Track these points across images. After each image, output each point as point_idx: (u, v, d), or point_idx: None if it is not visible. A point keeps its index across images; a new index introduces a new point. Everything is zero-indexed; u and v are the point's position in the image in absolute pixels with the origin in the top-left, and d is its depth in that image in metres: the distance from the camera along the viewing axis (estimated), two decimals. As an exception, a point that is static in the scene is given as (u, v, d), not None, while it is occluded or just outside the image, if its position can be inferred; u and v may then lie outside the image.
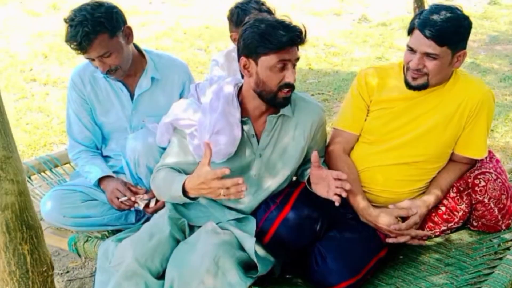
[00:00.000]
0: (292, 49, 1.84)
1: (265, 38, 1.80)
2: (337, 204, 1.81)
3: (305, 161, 2.11)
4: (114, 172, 2.33)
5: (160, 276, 1.82)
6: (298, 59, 1.89)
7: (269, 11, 2.40)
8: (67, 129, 2.40)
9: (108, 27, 2.07)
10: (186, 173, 1.97)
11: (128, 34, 2.19)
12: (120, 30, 2.14)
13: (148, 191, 2.20)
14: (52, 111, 4.69)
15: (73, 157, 2.39)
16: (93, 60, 2.13)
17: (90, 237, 2.17)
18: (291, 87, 1.88)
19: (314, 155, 1.89)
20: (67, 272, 2.63)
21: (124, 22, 2.17)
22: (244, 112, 1.97)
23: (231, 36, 2.52)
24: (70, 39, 2.06)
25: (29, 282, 1.50)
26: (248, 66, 1.89)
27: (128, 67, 2.22)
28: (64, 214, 2.17)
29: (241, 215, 2.00)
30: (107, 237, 2.19)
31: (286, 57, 1.83)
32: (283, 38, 1.80)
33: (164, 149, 2.08)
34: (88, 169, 2.30)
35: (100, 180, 2.26)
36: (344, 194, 1.81)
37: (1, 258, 1.44)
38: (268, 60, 1.83)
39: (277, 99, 1.89)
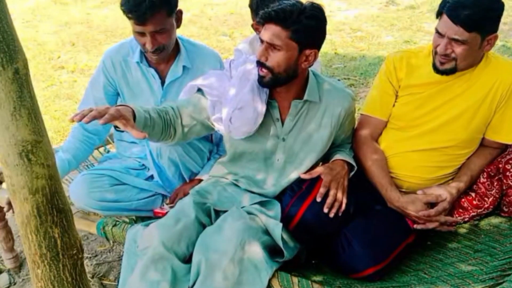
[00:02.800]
0: (268, 26, 1.81)
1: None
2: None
3: (332, 146, 2.09)
4: (138, 158, 2.36)
5: (187, 260, 1.84)
6: (273, 45, 1.80)
7: None
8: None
9: (171, 4, 2.08)
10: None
11: (178, 18, 2.19)
12: (175, 12, 2.13)
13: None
14: (80, 98, 4.72)
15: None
16: (143, 35, 2.09)
17: (118, 221, 2.19)
18: (259, 64, 1.85)
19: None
20: (96, 256, 2.68)
21: (177, 5, 2.17)
22: (272, 95, 1.96)
23: (252, 26, 2.48)
24: (132, 7, 2.00)
25: (60, 264, 1.51)
26: None
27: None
28: (92, 198, 2.20)
29: (265, 199, 2.00)
30: (135, 222, 2.22)
31: (264, 35, 1.82)
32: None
33: None
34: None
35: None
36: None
37: (32, 241, 1.46)
38: None
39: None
